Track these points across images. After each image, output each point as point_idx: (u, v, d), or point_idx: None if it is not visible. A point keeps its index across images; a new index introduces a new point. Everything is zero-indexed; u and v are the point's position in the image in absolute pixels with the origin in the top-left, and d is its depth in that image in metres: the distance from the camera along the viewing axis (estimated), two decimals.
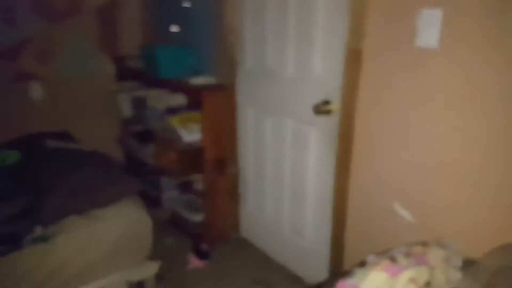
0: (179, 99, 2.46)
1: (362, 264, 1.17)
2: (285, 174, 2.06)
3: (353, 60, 1.49)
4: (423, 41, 1.29)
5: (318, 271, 1.90)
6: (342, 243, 1.78)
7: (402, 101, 1.41)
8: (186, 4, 2.50)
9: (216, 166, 2.25)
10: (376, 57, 1.46)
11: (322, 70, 1.70)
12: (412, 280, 1.02)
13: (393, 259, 1.10)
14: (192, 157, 2.27)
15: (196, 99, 2.22)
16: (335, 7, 1.56)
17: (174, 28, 2.71)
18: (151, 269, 1.82)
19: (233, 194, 2.42)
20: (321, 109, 1.67)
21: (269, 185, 2.20)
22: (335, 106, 1.64)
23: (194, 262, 2.21)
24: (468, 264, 1.14)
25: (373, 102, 1.50)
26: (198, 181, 2.34)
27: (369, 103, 1.52)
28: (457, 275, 1.10)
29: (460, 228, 1.31)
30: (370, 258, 1.18)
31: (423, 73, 1.32)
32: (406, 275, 1.03)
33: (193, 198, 2.55)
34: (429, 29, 1.27)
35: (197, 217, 2.40)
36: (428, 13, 1.26)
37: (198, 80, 2.24)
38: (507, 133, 1.15)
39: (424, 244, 1.22)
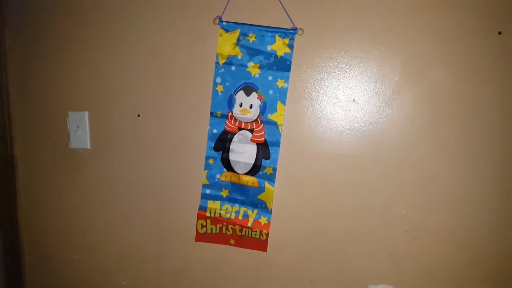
0: None
1: None
2: None
3: (5, 166, 1.36)
4: (76, 143, 1.29)
5: None
6: None
7: (64, 201, 1.36)
8: None
9: None
10: (32, 161, 1.38)
11: None
12: None
13: None
14: None
15: None
16: None
17: None
18: None
19: None
20: None
21: None
22: None
23: None
24: None
25: (39, 207, 1.39)
26: None
27: (34, 210, 1.40)
28: None
29: None
30: None
31: (80, 173, 1.32)
32: None
33: None
34: (79, 131, 1.27)
35: None
36: (76, 116, 1.27)
37: None
38: None
39: None
